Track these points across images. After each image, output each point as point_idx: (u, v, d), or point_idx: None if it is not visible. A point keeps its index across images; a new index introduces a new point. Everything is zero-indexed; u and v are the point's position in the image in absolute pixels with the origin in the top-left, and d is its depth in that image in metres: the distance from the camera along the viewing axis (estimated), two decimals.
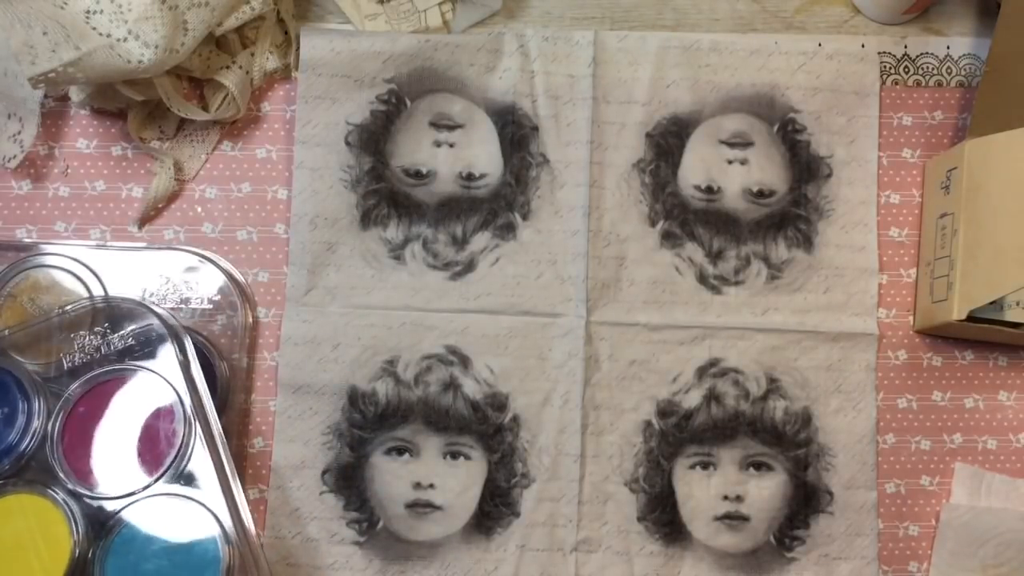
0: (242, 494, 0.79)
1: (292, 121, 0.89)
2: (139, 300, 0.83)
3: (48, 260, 0.85)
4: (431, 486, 0.86)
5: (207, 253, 0.88)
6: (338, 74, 0.88)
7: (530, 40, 0.89)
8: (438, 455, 0.86)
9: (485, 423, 0.87)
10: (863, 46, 0.91)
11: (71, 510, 0.77)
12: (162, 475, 0.78)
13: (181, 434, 0.78)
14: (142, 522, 0.77)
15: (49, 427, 0.78)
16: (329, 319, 0.87)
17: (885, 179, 0.91)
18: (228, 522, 0.77)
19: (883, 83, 0.92)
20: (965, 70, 0.92)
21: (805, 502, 0.87)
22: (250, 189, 0.89)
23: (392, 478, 0.86)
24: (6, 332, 0.81)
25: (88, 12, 0.78)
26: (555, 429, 0.87)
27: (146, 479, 0.78)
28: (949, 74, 0.92)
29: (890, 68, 0.92)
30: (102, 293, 0.84)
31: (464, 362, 0.87)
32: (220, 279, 0.87)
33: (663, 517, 0.86)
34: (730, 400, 0.87)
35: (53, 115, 0.89)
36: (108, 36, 0.78)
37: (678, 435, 0.87)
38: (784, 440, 0.87)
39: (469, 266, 0.88)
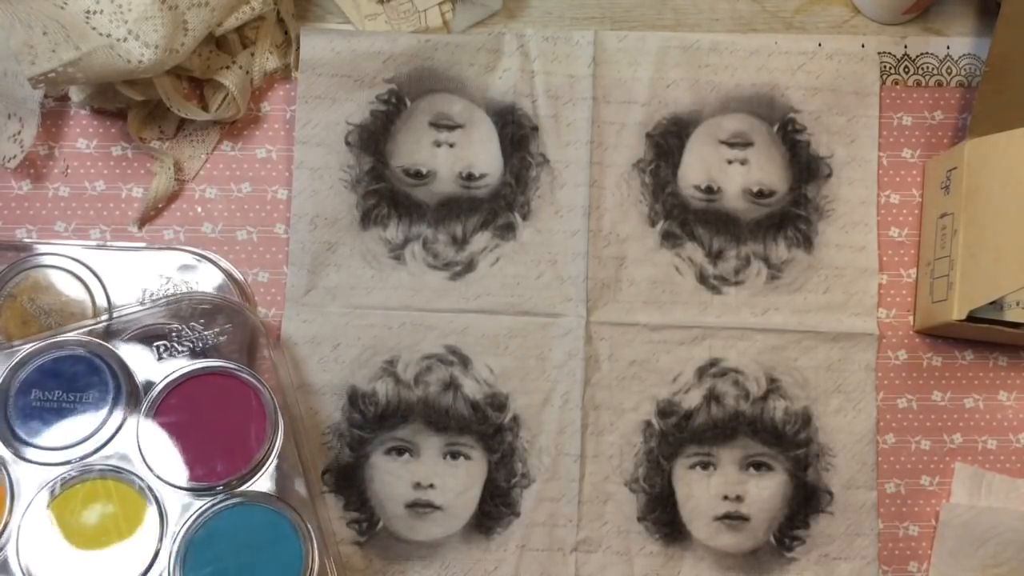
0: (322, 499, 0.81)
1: (292, 121, 0.89)
2: (234, 300, 0.84)
3: (48, 260, 0.85)
4: (431, 486, 0.86)
5: (207, 253, 0.88)
6: (338, 74, 0.88)
7: (530, 40, 0.89)
8: (438, 455, 0.86)
9: (485, 423, 0.87)
10: (863, 46, 0.91)
11: (156, 500, 0.77)
12: (248, 474, 0.78)
13: (269, 436, 0.79)
14: (225, 519, 0.77)
15: (139, 418, 0.78)
16: (329, 319, 0.87)
17: (885, 179, 0.91)
18: (311, 526, 0.78)
19: (883, 83, 0.92)
20: (965, 70, 0.92)
21: (805, 502, 0.87)
22: (250, 189, 0.89)
23: (392, 478, 0.86)
24: (105, 319, 0.82)
25: (88, 12, 0.78)
26: (555, 429, 0.87)
27: (232, 477, 0.78)
28: (949, 74, 0.92)
29: (890, 68, 0.92)
30: (104, 299, 0.84)
31: (464, 362, 0.87)
32: (220, 279, 0.87)
33: (663, 517, 0.86)
34: (730, 400, 0.87)
35: (53, 115, 0.89)
36: (108, 36, 0.78)
37: (678, 435, 0.87)
38: (784, 440, 0.87)
39: (469, 266, 0.88)
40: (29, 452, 0.77)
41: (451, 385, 0.87)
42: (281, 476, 0.79)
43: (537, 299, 0.88)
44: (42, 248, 0.86)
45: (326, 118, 0.88)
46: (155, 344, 0.81)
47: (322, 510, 0.81)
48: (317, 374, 0.86)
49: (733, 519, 0.87)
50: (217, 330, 0.81)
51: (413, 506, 0.86)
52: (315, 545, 0.77)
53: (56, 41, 0.77)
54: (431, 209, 0.88)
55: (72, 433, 0.77)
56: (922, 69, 0.92)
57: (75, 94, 0.87)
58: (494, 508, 0.86)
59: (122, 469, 0.78)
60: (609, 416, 0.87)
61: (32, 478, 0.77)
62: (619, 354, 0.88)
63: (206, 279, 0.87)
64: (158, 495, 0.77)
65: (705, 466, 0.87)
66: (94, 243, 0.88)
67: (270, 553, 0.77)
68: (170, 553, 0.76)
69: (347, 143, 0.88)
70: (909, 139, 0.92)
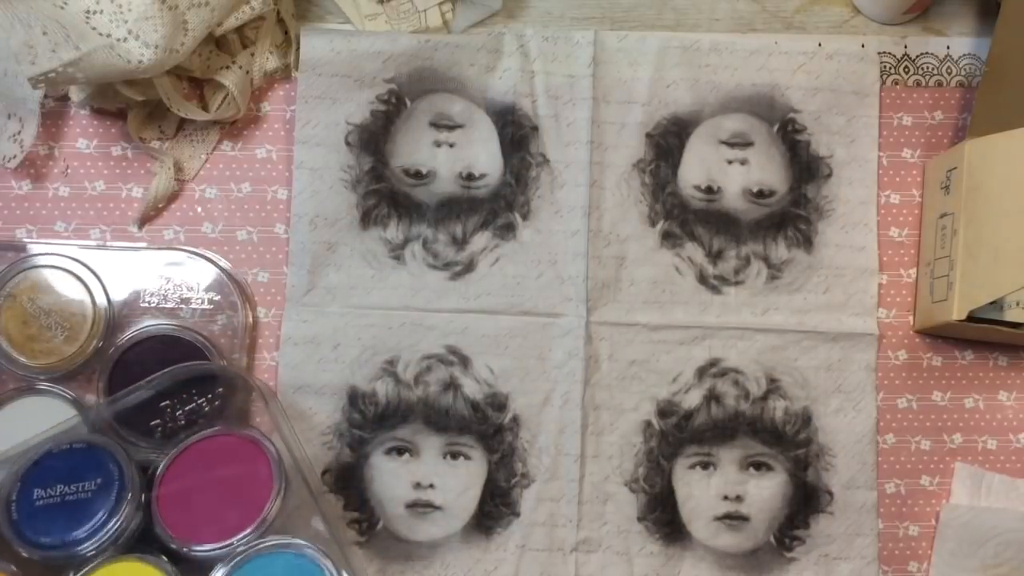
0: (350, 545, 0.83)
1: (292, 121, 0.89)
2: (222, 365, 0.84)
3: (48, 260, 0.85)
4: (431, 486, 0.86)
5: (207, 253, 0.88)
6: (338, 74, 0.88)
7: (530, 40, 0.89)
8: (438, 455, 0.86)
9: (485, 423, 0.87)
10: (863, 46, 0.91)
11: (176, 570, 0.76)
12: (260, 526, 0.77)
13: (278, 487, 0.78)
14: (247, 571, 0.76)
15: (145, 495, 0.78)
16: (329, 319, 0.87)
17: (885, 179, 0.91)
18: (334, 559, 0.77)
19: (883, 83, 0.91)
20: (965, 70, 0.92)
21: (805, 502, 0.87)
22: (250, 189, 0.89)
23: (392, 478, 0.86)
24: (102, 404, 0.82)
25: (88, 12, 0.78)
26: (555, 429, 0.87)
27: (248, 530, 0.77)
28: (949, 74, 0.92)
29: (890, 68, 0.92)
30: (104, 299, 0.84)
31: (464, 362, 0.87)
32: (220, 279, 0.87)
33: (663, 517, 0.86)
34: (730, 400, 0.87)
35: (53, 115, 0.89)
36: (108, 36, 0.78)
37: (678, 435, 0.87)
38: (784, 440, 0.87)
39: (469, 266, 0.88)
40: (38, 553, 0.76)
41: (451, 385, 0.87)
42: (298, 518, 0.80)
43: (537, 299, 0.88)
44: (42, 248, 0.86)
45: (326, 118, 0.88)
46: (152, 424, 0.81)
47: (349, 553, 0.81)
48: (317, 374, 0.86)
49: (733, 519, 0.86)
50: (210, 396, 0.82)
51: (413, 506, 0.86)
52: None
53: (56, 41, 0.77)
54: (431, 209, 0.88)
55: (83, 522, 0.77)
56: (922, 69, 0.92)
57: (75, 94, 0.87)
58: (494, 508, 0.86)
59: (136, 550, 0.77)
60: (609, 416, 0.87)
61: None
62: (619, 354, 0.88)
63: (206, 279, 0.87)
64: (176, 568, 0.77)
65: (705, 466, 0.87)
66: (94, 243, 0.88)
67: None
68: None
69: (347, 143, 0.88)
70: (909, 139, 0.92)
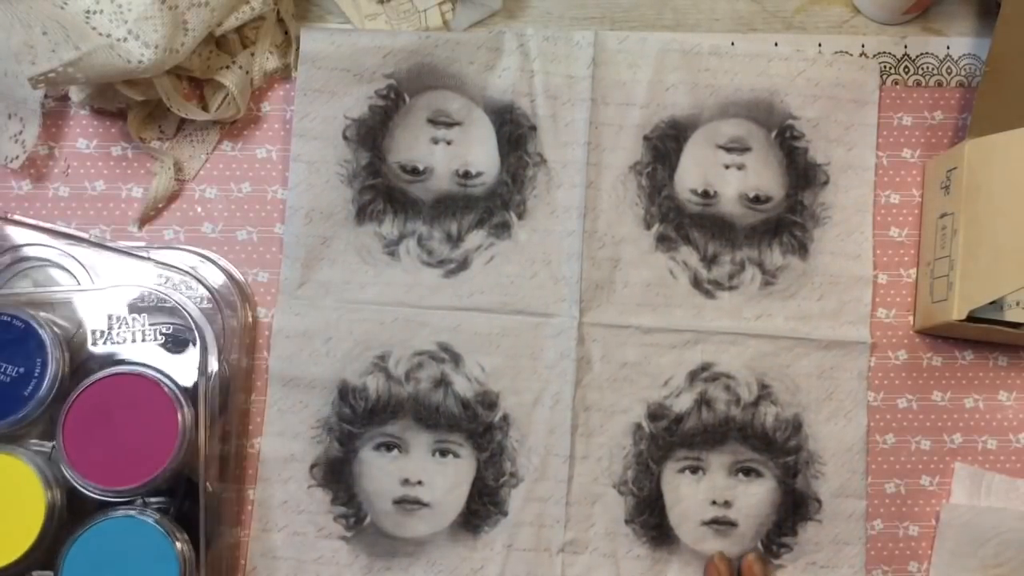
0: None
1: (292, 121, 0.89)
2: (178, 299, 0.83)
3: (44, 254, 0.85)
4: (419, 483, 0.86)
5: (207, 253, 0.88)
6: (338, 68, 0.88)
7: (530, 40, 0.89)
8: (427, 452, 0.86)
9: (475, 421, 0.87)
10: (863, 46, 0.91)
11: (52, 488, 0.78)
12: (147, 486, 0.78)
13: (177, 450, 0.79)
14: (114, 528, 0.78)
15: (58, 411, 0.79)
16: (322, 313, 0.87)
17: (885, 179, 0.91)
18: (192, 553, 0.79)
19: (883, 83, 0.91)
20: (965, 70, 0.92)
21: (793, 509, 0.87)
22: (250, 189, 0.90)
23: (380, 474, 0.86)
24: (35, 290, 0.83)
25: (88, 12, 0.78)
26: (545, 429, 0.86)
27: (134, 486, 0.78)
28: (949, 74, 0.92)
29: (890, 68, 0.92)
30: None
31: (455, 359, 0.87)
32: (220, 279, 0.87)
33: (651, 520, 0.86)
34: (721, 405, 0.87)
35: (53, 115, 0.89)
36: (108, 36, 0.78)
37: (668, 439, 0.87)
38: (774, 446, 0.87)
39: (463, 264, 0.88)
40: None
41: (442, 382, 0.87)
42: (179, 491, 0.80)
43: (530, 299, 0.88)
44: (41, 247, 0.86)
45: (324, 112, 0.88)
46: (92, 329, 0.81)
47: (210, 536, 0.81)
48: (308, 367, 0.86)
49: (721, 524, 0.86)
50: (155, 326, 0.82)
51: (401, 502, 0.86)
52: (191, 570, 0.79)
53: (56, 41, 0.77)
54: (427, 206, 0.88)
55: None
56: (922, 69, 0.92)
57: (75, 94, 0.87)
58: (482, 507, 0.86)
59: (24, 448, 0.79)
60: (599, 418, 0.87)
61: None
62: (611, 356, 0.87)
63: (206, 279, 0.87)
64: (52, 481, 0.78)
65: (694, 470, 0.87)
66: (94, 242, 0.87)
67: (150, 571, 0.78)
68: (53, 550, 0.77)
69: (345, 137, 0.88)
70: (909, 139, 0.91)
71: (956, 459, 0.89)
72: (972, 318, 0.82)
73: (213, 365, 0.81)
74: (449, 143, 0.89)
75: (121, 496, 0.78)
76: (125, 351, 0.81)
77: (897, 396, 0.89)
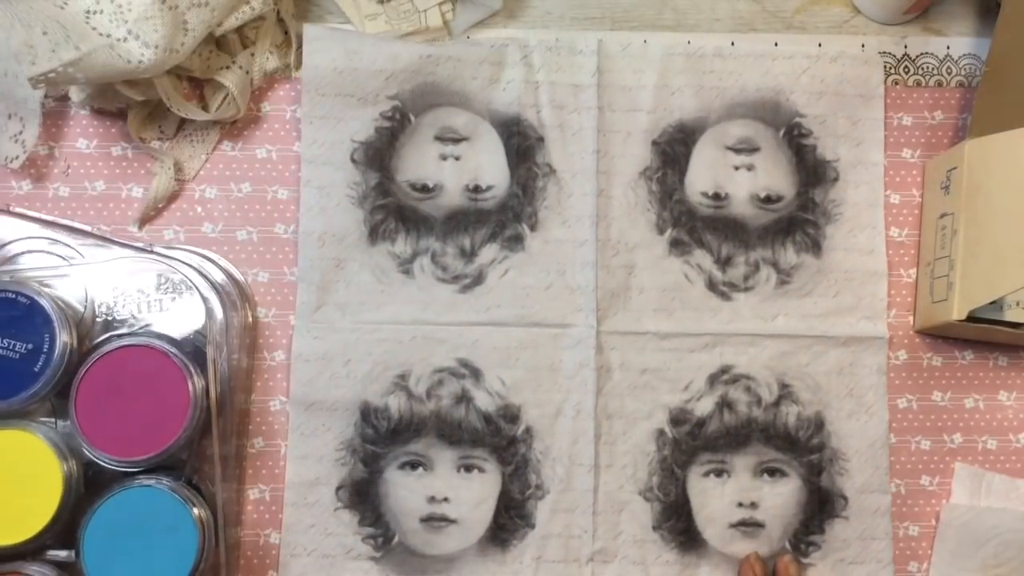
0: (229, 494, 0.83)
1: (293, 121, 0.89)
2: (190, 278, 0.83)
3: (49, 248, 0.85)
4: (445, 500, 0.86)
5: (207, 253, 0.88)
6: (341, 93, 0.88)
7: (533, 51, 0.89)
8: (452, 468, 0.86)
9: (498, 435, 0.86)
10: (863, 46, 0.92)
11: (68, 460, 0.78)
12: (162, 455, 0.79)
13: (190, 421, 0.79)
14: (131, 498, 0.78)
15: (68, 386, 0.79)
16: (340, 335, 0.86)
17: (885, 179, 0.91)
18: (210, 518, 0.80)
19: (883, 83, 0.92)
20: (965, 70, 0.93)
21: (820, 507, 0.87)
22: (250, 189, 0.89)
23: (406, 493, 0.86)
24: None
25: (88, 12, 0.77)
26: (568, 439, 0.87)
27: (149, 455, 0.79)
28: (949, 74, 0.93)
29: (890, 68, 0.92)
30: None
31: (475, 375, 0.87)
32: (220, 279, 0.86)
33: (678, 525, 0.87)
34: (742, 407, 0.88)
35: (53, 115, 0.88)
36: (108, 36, 0.77)
37: (691, 443, 0.87)
38: (797, 445, 0.87)
39: (478, 278, 0.88)
40: None
41: (463, 398, 0.87)
42: (197, 464, 0.82)
43: (547, 310, 0.88)
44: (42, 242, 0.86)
45: (331, 137, 0.88)
46: (101, 304, 0.82)
47: (231, 503, 0.83)
48: (329, 390, 0.86)
49: (748, 526, 0.87)
50: (164, 300, 0.83)
51: (428, 520, 0.86)
52: (209, 537, 0.79)
53: (56, 41, 0.77)
54: (439, 222, 0.88)
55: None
56: (922, 69, 0.92)
57: (75, 94, 0.87)
58: (509, 520, 0.86)
59: (42, 424, 0.79)
60: (622, 425, 0.87)
61: None
62: (630, 363, 0.88)
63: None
64: (70, 457, 0.78)
65: (719, 473, 0.87)
66: (93, 241, 0.87)
67: (165, 541, 0.78)
68: (73, 521, 0.78)
69: (353, 160, 0.88)
70: (909, 139, 0.92)
71: (956, 459, 0.89)
72: (972, 318, 0.83)
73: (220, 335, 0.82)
74: (457, 159, 0.88)
75: (137, 466, 0.79)
76: (132, 323, 0.82)
77: (897, 396, 0.90)
